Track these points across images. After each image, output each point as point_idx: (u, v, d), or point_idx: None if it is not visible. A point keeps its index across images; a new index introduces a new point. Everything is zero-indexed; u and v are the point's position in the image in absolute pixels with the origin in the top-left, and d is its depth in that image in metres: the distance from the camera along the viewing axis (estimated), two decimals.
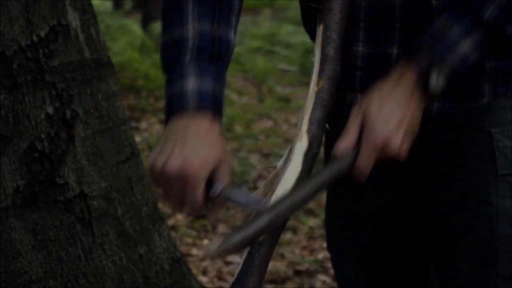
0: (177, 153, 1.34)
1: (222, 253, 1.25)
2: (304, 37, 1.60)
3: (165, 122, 1.40)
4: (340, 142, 1.37)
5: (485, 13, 1.33)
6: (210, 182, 1.35)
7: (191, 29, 1.41)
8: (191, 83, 1.38)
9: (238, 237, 1.27)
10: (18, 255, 2.07)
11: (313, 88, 1.40)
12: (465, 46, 1.34)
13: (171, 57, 1.42)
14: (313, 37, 1.54)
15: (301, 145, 1.38)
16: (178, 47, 1.41)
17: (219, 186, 1.35)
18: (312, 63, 1.43)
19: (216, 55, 1.42)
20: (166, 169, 1.34)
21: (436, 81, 1.34)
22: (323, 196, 1.72)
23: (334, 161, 1.37)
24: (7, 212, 2.05)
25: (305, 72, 8.14)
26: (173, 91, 1.39)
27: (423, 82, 1.35)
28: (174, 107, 1.39)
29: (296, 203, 1.33)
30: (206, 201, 1.35)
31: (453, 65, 1.34)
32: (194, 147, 1.34)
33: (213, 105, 1.39)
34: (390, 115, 1.35)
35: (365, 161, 1.36)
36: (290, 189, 1.35)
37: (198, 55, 1.40)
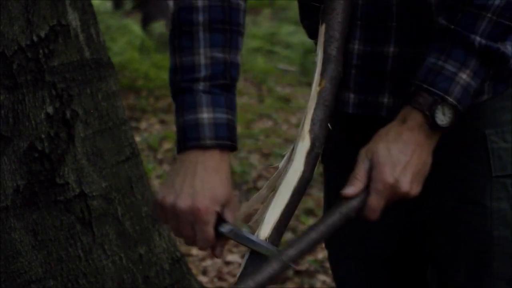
0: (187, 189, 1.34)
1: None
2: (304, 37, 1.60)
3: (177, 151, 1.39)
4: (349, 188, 1.37)
5: (474, 39, 1.33)
6: (219, 217, 1.36)
7: (203, 56, 1.39)
8: (206, 114, 1.37)
9: (251, 284, 1.28)
10: (18, 255, 2.07)
11: (315, 87, 1.40)
12: (464, 76, 1.34)
13: (182, 84, 1.40)
14: (310, 34, 1.54)
15: (303, 145, 1.38)
16: (190, 75, 1.39)
17: (229, 224, 1.35)
18: (314, 63, 1.42)
19: (228, 82, 1.41)
20: (176, 207, 1.34)
21: (443, 115, 1.34)
22: (322, 196, 1.72)
23: (343, 203, 1.37)
24: (7, 212, 2.05)
25: (305, 72, 8.15)
26: (186, 121, 1.38)
27: (430, 120, 1.35)
28: (188, 137, 1.37)
29: (306, 248, 1.33)
30: (216, 236, 1.36)
31: (457, 96, 1.34)
32: (203, 183, 1.34)
33: (228, 135, 1.38)
34: (398, 157, 1.35)
35: (375, 204, 1.36)
36: (292, 192, 1.35)
37: (211, 83, 1.38)
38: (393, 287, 1.64)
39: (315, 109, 1.39)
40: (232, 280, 3.63)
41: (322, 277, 3.67)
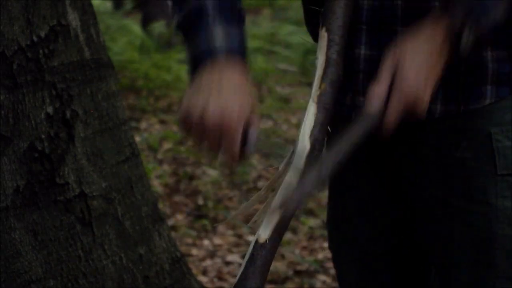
0: (216, 100, 1.33)
1: (285, 207, 1.29)
2: (304, 37, 1.60)
3: (192, 75, 1.40)
4: (374, 88, 1.37)
5: None
6: (243, 132, 1.36)
7: None
8: (219, 30, 1.40)
9: (298, 195, 1.29)
10: (18, 255, 2.07)
11: (315, 91, 1.40)
12: (498, 11, 1.35)
13: (193, 19, 1.43)
14: (315, 39, 1.55)
15: (303, 147, 1.38)
16: (199, 11, 1.42)
17: (253, 137, 1.36)
18: (315, 66, 1.42)
19: (238, 14, 1.44)
20: (205, 116, 1.33)
21: (467, 39, 1.35)
22: (323, 196, 1.72)
23: (362, 116, 1.38)
24: (7, 212, 2.05)
25: (305, 72, 8.14)
26: (201, 41, 1.40)
27: (455, 38, 1.35)
28: (204, 56, 1.39)
29: (335, 160, 1.34)
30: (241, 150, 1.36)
31: (485, 27, 1.35)
32: (231, 94, 1.34)
33: (243, 50, 1.41)
34: (422, 66, 1.35)
35: (394, 111, 1.36)
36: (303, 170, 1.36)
37: (220, 10, 1.42)
38: (393, 286, 1.64)
39: (315, 112, 1.39)
40: (232, 280, 3.63)
41: (322, 277, 3.67)
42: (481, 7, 1.35)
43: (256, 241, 1.34)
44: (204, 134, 1.35)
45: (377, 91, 1.37)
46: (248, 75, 1.40)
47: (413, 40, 1.38)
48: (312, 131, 1.37)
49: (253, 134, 1.36)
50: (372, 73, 1.46)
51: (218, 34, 1.40)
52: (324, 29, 1.42)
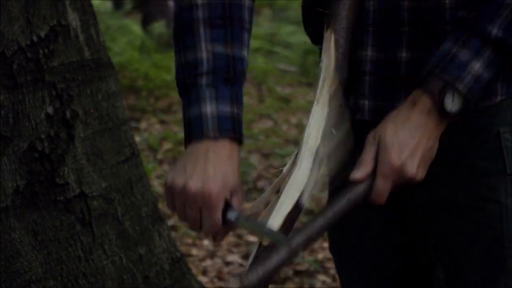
0: (199, 173, 1.35)
1: None
2: (304, 37, 1.60)
3: (185, 145, 1.41)
4: (356, 172, 1.37)
5: (491, 31, 1.33)
6: (225, 204, 1.37)
7: (204, 51, 1.41)
8: (209, 107, 1.39)
9: (260, 271, 1.28)
10: (18, 255, 2.07)
11: (320, 92, 1.40)
12: (477, 66, 1.34)
13: (187, 80, 1.42)
14: (314, 41, 1.54)
15: (309, 149, 1.37)
16: (193, 70, 1.41)
17: (235, 211, 1.36)
18: (319, 68, 1.42)
19: (232, 76, 1.42)
20: (186, 189, 1.35)
21: (452, 102, 1.34)
22: (323, 196, 1.71)
23: (349, 189, 1.37)
24: (7, 212, 2.05)
25: (305, 72, 8.14)
26: (191, 114, 1.40)
27: (439, 106, 1.34)
28: (193, 131, 1.40)
29: (314, 234, 1.34)
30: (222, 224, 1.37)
31: (467, 84, 1.34)
32: (215, 169, 1.36)
33: (232, 128, 1.40)
34: (405, 140, 1.35)
35: (382, 187, 1.36)
36: (299, 196, 1.35)
37: (213, 77, 1.40)
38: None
39: (326, 114, 1.39)
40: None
41: (322, 277, 3.67)
42: (453, 68, 1.34)
43: (260, 244, 1.34)
44: (185, 205, 1.37)
45: (359, 176, 1.37)
46: (237, 150, 1.40)
47: (393, 119, 1.37)
48: (323, 133, 1.37)
49: (235, 207, 1.37)
50: (378, 75, 1.46)
51: (209, 104, 1.39)
52: (329, 31, 1.42)
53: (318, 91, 1.40)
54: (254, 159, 5.47)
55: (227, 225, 1.37)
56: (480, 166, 1.47)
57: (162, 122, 6.47)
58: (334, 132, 1.40)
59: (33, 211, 2.08)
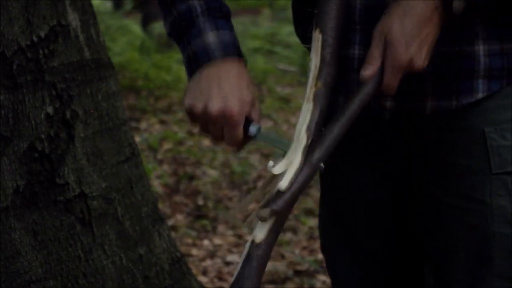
0: (216, 95, 1.40)
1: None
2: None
3: (189, 76, 1.47)
4: (365, 69, 1.38)
5: None
6: (245, 120, 1.43)
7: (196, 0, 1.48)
8: (211, 36, 1.46)
9: (286, 197, 1.33)
10: (18, 255, 2.07)
11: (309, 91, 1.41)
12: None
13: (183, 25, 1.49)
14: (304, 41, 1.55)
15: (301, 145, 1.38)
16: (189, 15, 1.48)
17: (256, 125, 1.43)
18: (309, 67, 1.43)
19: (225, 14, 1.50)
20: (208, 111, 1.40)
21: (459, 2, 1.35)
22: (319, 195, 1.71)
23: (360, 90, 1.39)
24: (7, 213, 2.05)
25: (305, 72, 8.13)
26: (195, 47, 1.46)
27: (447, 5, 1.35)
28: (200, 58, 1.45)
29: (332, 144, 1.37)
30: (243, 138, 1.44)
31: None
32: (231, 88, 1.41)
33: (237, 51, 1.47)
34: (412, 33, 1.35)
35: (392, 80, 1.37)
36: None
37: (209, 14, 1.47)
38: (388, 285, 1.64)
39: (311, 112, 1.40)
40: (232, 280, 3.63)
41: (322, 277, 3.67)
42: None
43: (253, 241, 1.35)
44: (208, 126, 1.43)
45: (368, 73, 1.38)
46: (246, 68, 1.46)
47: (398, 11, 1.37)
48: (308, 126, 1.38)
49: (256, 123, 1.43)
50: None
51: (211, 34, 1.46)
52: (317, 31, 1.42)
53: (308, 90, 1.41)
54: (254, 159, 5.47)
55: (248, 138, 1.44)
56: (465, 165, 1.47)
57: (162, 122, 6.47)
58: (323, 129, 1.41)
59: (33, 211, 2.09)
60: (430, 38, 1.37)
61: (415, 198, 1.53)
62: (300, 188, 1.34)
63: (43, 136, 2.09)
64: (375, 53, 1.38)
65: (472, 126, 1.47)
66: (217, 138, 1.45)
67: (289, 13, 1.72)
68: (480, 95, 1.45)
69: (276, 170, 1.37)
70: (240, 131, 1.42)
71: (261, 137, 1.43)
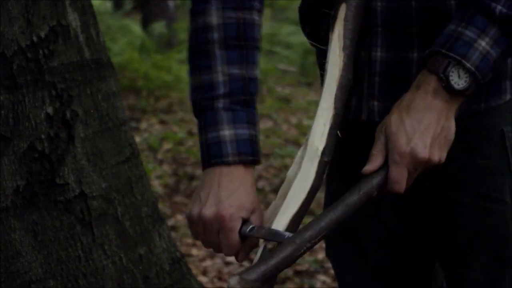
0: (212, 199, 1.37)
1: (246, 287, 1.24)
2: (304, 37, 1.60)
3: (202, 168, 1.43)
4: (367, 165, 1.36)
5: (495, 8, 1.31)
6: (242, 225, 1.38)
7: (220, 73, 1.41)
8: (227, 131, 1.40)
9: (262, 268, 1.26)
10: (18, 255, 2.07)
11: (324, 95, 1.39)
12: (483, 43, 1.32)
13: (203, 103, 1.43)
14: (311, 39, 1.54)
15: (313, 153, 1.37)
16: (209, 93, 1.42)
17: (248, 225, 1.37)
18: (325, 69, 1.41)
19: (248, 98, 1.43)
20: (202, 216, 1.38)
21: (459, 78, 1.32)
22: (322, 196, 1.71)
23: (362, 182, 1.35)
24: (7, 213, 2.05)
25: (305, 72, 8.14)
26: (209, 138, 1.41)
27: (445, 83, 1.33)
28: (212, 156, 1.41)
29: (324, 229, 1.32)
30: (241, 243, 1.38)
31: (475, 62, 1.32)
32: (228, 193, 1.37)
33: (251, 151, 1.41)
34: (411, 125, 1.34)
35: (397, 175, 1.34)
36: (302, 202, 1.35)
37: (230, 100, 1.41)
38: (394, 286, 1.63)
39: (331, 116, 1.38)
40: None
41: (322, 277, 3.67)
42: (459, 46, 1.32)
43: (265, 247, 1.34)
44: (205, 233, 1.39)
45: (371, 169, 1.36)
46: (252, 173, 1.41)
47: (397, 107, 1.36)
48: (322, 136, 1.37)
49: (250, 223, 1.38)
50: (389, 75, 1.45)
51: (227, 133, 1.40)
52: (335, 33, 1.41)
53: (323, 93, 1.39)
54: None
55: (246, 241, 1.38)
56: (485, 166, 1.47)
57: (162, 122, 6.47)
58: (339, 134, 1.40)
59: (33, 211, 2.08)
60: (436, 127, 1.34)
61: (431, 199, 1.51)
62: (277, 266, 1.27)
63: (43, 136, 2.09)
64: (377, 148, 1.36)
65: (490, 126, 1.46)
66: (216, 247, 1.40)
67: (289, 13, 1.71)
68: (508, 97, 1.45)
69: (289, 172, 1.36)
70: (234, 236, 1.37)
71: (255, 233, 1.36)
